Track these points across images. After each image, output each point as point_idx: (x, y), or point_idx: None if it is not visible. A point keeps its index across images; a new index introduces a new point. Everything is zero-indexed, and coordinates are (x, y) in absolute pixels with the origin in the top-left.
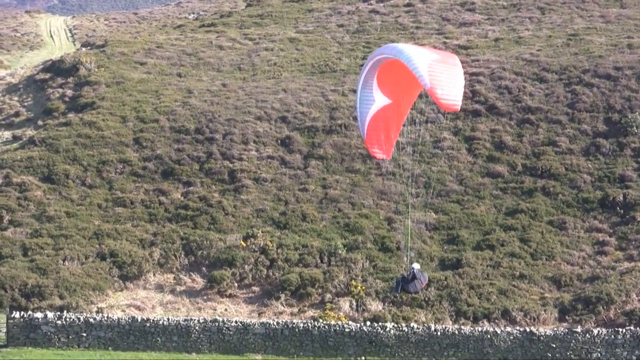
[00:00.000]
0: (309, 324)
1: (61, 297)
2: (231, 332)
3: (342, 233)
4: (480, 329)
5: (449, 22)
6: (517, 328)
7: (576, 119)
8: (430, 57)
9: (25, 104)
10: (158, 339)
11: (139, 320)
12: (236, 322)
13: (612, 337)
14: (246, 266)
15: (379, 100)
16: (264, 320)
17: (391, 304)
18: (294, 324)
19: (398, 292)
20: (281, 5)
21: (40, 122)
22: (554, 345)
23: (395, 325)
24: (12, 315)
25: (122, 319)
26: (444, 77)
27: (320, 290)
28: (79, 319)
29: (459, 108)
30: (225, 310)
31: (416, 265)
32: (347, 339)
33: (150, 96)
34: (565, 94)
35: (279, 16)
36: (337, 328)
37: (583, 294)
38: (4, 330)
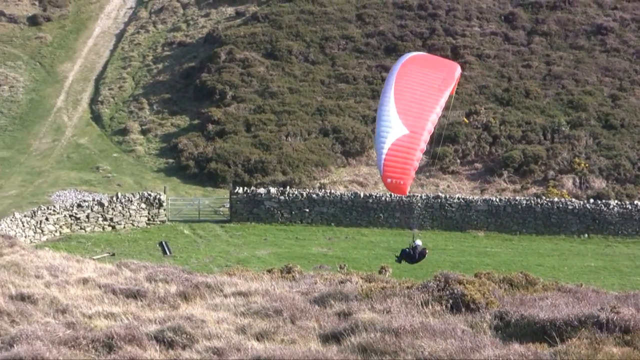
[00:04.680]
0: (532, 201)
1: (284, 172)
2: (453, 209)
3: (565, 110)
4: None
5: None
6: None
7: None
8: (397, 133)
9: None
10: (380, 215)
11: (362, 196)
12: (459, 198)
13: None
14: (469, 143)
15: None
16: (486, 197)
17: (615, 182)
18: (516, 200)
19: (399, 261)
20: None
21: None
22: None
23: (619, 202)
24: (236, 191)
25: (344, 195)
26: (399, 162)
27: (543, 167)
28: (301, 194)
29: (406, 192)
30: (448, 186)
31: (419, 242)
32: (570, 217)
33: None
34: None
35: None
36: (560, 205)
37: None
38: (228, 206)
